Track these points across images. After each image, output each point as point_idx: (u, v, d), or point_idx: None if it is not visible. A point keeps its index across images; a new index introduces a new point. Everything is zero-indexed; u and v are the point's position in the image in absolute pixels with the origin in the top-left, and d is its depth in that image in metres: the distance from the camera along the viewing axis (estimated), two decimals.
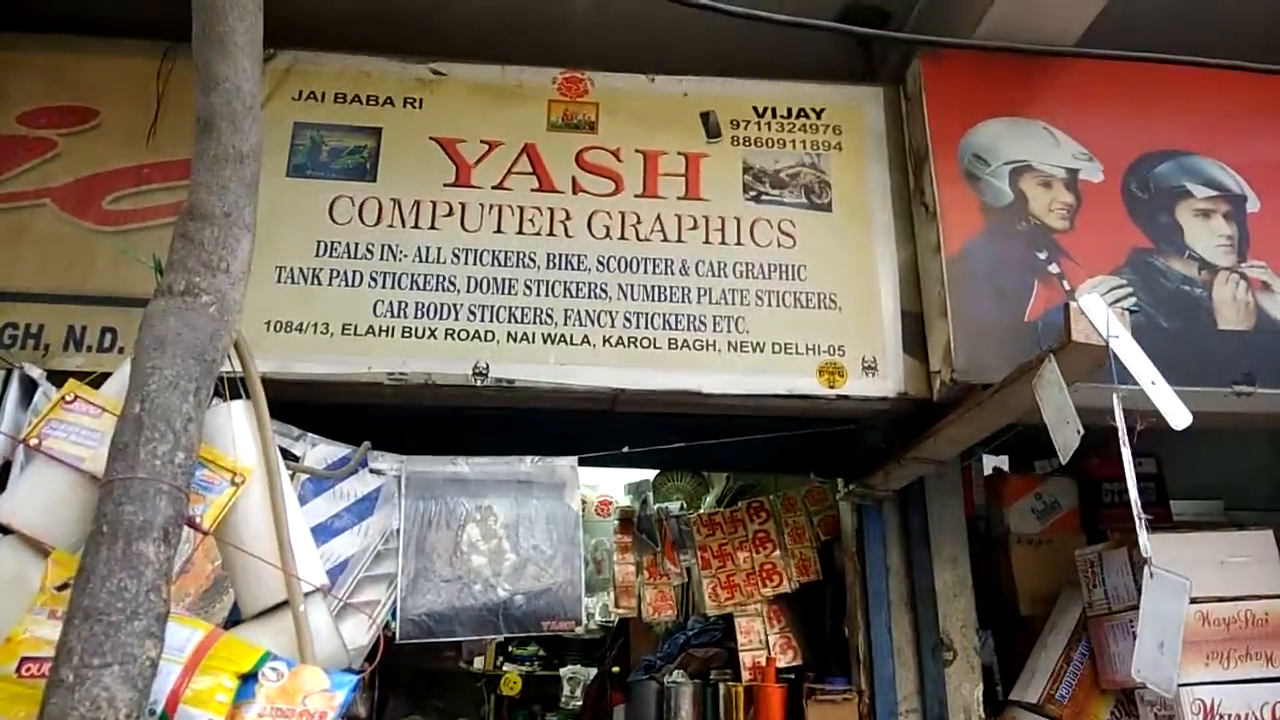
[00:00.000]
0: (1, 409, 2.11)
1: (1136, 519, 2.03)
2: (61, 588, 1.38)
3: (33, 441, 1.58)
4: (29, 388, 2.28)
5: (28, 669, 1.35)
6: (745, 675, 3.40)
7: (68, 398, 1.62)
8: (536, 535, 2.72)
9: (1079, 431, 2.17)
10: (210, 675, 1.38)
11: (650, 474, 4.52)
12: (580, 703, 5.23)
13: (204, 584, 2.20)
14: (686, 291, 2.94)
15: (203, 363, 1.48)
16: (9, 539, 1.51)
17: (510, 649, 5.92)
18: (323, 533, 2.49)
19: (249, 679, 1.42)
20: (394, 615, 2.56)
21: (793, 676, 3.40)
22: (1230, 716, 2.68)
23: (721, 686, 3.42)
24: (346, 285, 2.82)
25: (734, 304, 2.94)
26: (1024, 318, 2.82)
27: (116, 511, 1.30)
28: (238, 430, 1.65)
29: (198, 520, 1.52)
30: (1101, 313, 2.28)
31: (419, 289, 2.84)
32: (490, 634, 2.64)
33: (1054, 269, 2.91)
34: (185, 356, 1.46)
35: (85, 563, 1.28)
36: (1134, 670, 2.06)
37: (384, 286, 2.83)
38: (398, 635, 2.52)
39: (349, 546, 2.55)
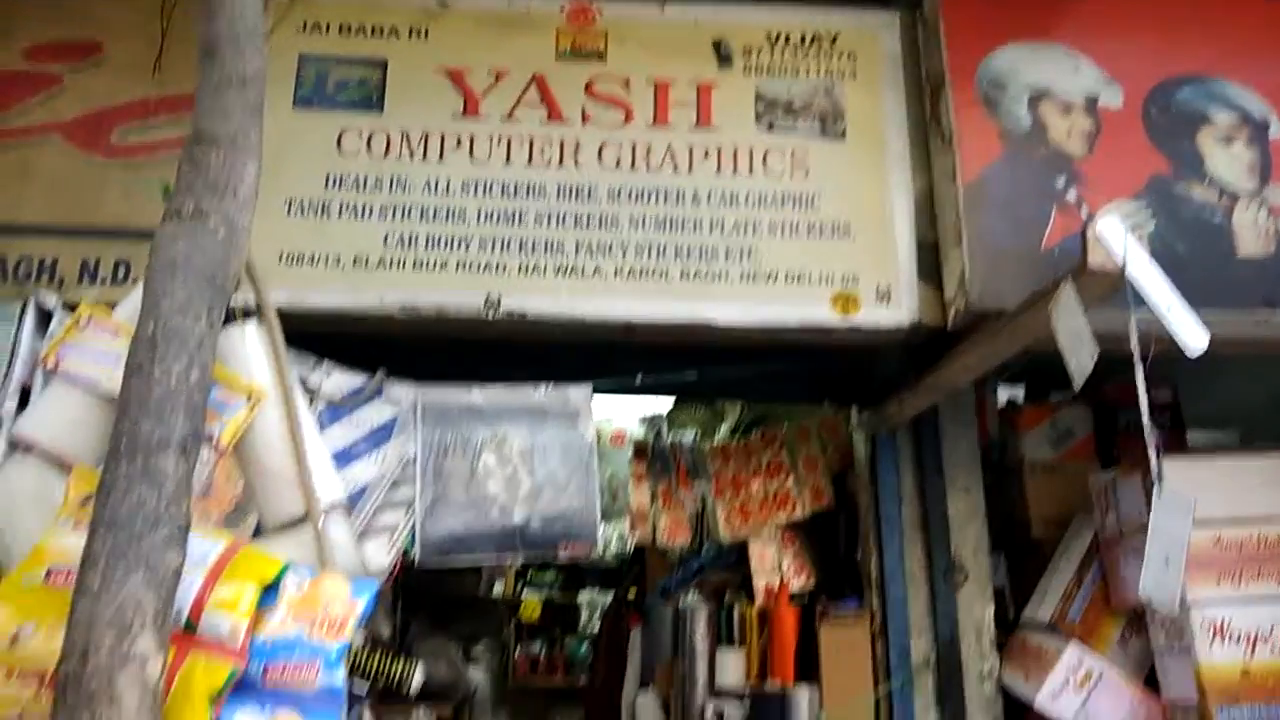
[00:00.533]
0: (18, 338, 2.14)
1: (1147, 436, 2.03)
2: (85, 501, 1.41)
3: (50, 363, 1.61)
4: (44, 318, 2.31)
5: (54, 578, 1.40)
6: (759, 599, 3.45)
7: (82, 320, 1.65)
8: (551, 462, 2.76)
9: (1094, 355, 2.16)
10: (233, 584, 1.42)
11: (664, 407, 4.55)
12: (598, 627, 5.33)
13: (226, 508, 2.24)
14: (698, 222, 2.92)
15: (213, 285, 1.49)
16: (31, 456, 1.55)
17: (529, 576, 6.05)
18: (341, 460, 2.52)
19: (271, 589, 1.46)
20: (413, 540, 2.61)
21: (806, 601, 3.45)
22: (1239, 634, 2.71)
23: (736, 609, 3.48)
24: (356, 218, 2.82)
25: (746, 234, 2.92)
26: (1041, 246, 2.79)
27: (134, 428, 1.33)
28: (251, 352, 1.67)
29: (215, 439, 1.55)
30: (1119, 236, 2.25)
31: (429, 221, 2.84)
32: (509, 556, 2.69)
33: (1072, 196, 2.87)
34: (196, 279, 1.47)
35: (105, 477, 1.31)
36: (1140, 587, 2.08)
37: (394, 219, 2.83)
38: (418, 558, 2.57)
39: (367, 473, 2.59)
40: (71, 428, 1.56)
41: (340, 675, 1.45)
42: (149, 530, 1.27)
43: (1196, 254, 2.82)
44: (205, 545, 1.46)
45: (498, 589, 5.37)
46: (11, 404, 1.86)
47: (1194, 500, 2.14)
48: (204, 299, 1.45)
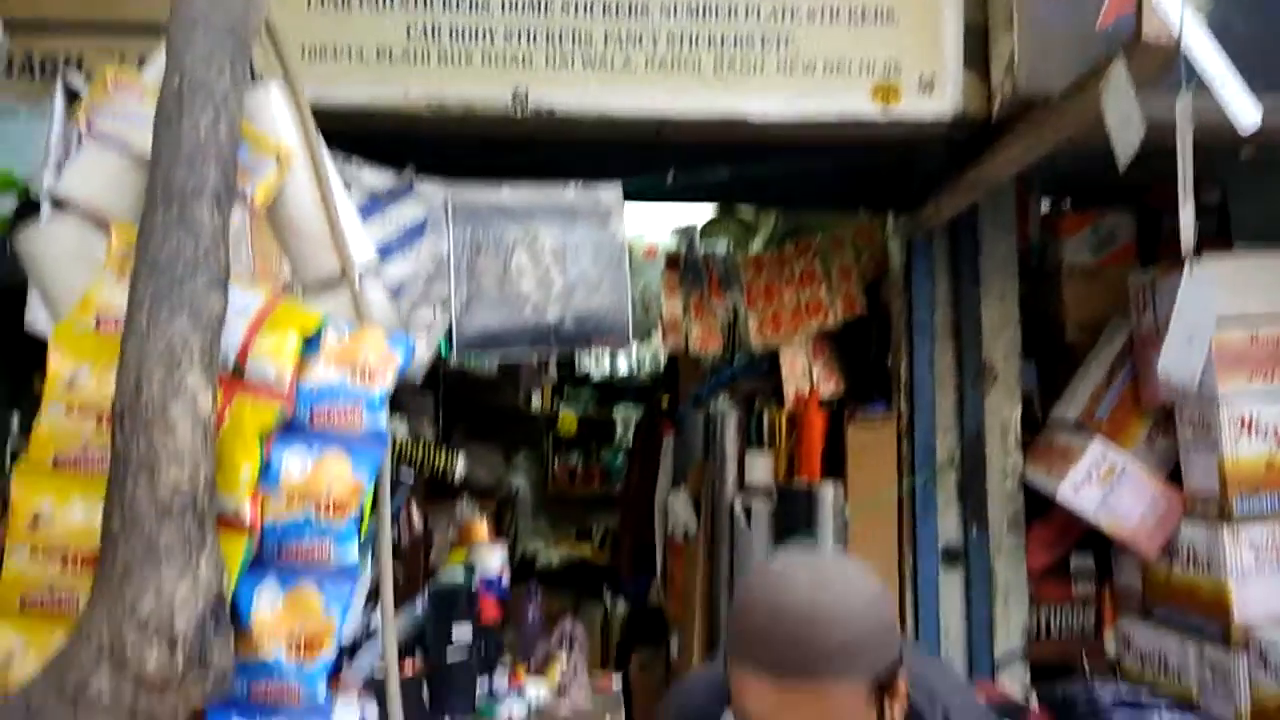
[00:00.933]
0: (51, 119, 2.16)
1: (1182, 214, 1.97)
2: (127, 255, 1.45)
3: (82, 125, 1.62)
4: (74, 99, 2.31)
5: (104, 326, 1.46)
6: (789, 405, 3.52)
7: (109, 80, 1.65)
8: (583, 262, 2.77)
9: (1141, 134, 2.08)
10: (276, 334, 1.48)
11: (696, 219, 4.52)
12: (632, 440, 5.51)
13: None
14: (733, 9, 2.78)
15: (235, 39, 1.47)
16: (70, 215, 1.59)
17: (565, 393, 6.24)
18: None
19: (312, 340, 1.52)
20: (450, 335, 2.67)
21: (835, 407, 3.51)
22: (1268, 428, 2.74)
23: (766, 413, 3.55)
24: (377, 9, 2.73)
25: (784, 21, 2.78)
26: (1094, 27, 2.64)
27: (168, 177, 1.34)
28: (277, 112, 1.66)
29: (250, 199, 1.57)
30: (1175, 5, 2.12)
31: (452, 11, 2.73)
32: (543, 351, 2.75)
33: None
34: (217, 33, 1.45)
35: (144, 225, 1.34)
36: (1159, 365, 2.08)
37: (416, 8, 2.72)
38: (455, 351, 2.64)
39: (402, 270, 2.62)
40: (107, 186, 1.59)
41: (383, 419, 1.52)
42: (189, 275, 1.31)
43: (1256, 35, 2.64)
44: (246, 297, 1.51)
45: (535, 404, 5.54)
46: (52, 179, 1.89)
47: (1225, 282, 2.11)
48: (225, 53, 1.44)
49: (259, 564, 1.43)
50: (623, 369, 6.21)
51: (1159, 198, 3.41)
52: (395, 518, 3.33)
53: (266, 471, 1.43)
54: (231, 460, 1.38)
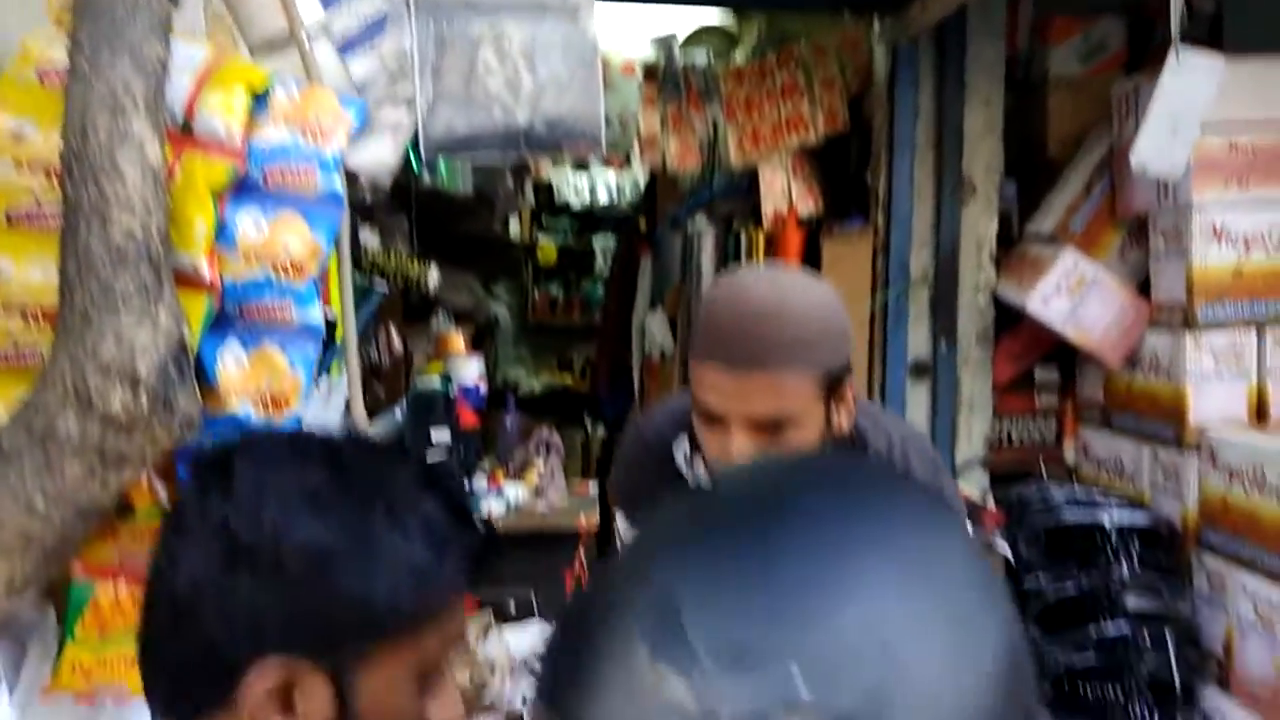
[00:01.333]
0: None
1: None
2: (66, 6, 1.39)
3: None
4: None
5: (47, 79, 1.41)
6: (767, 225, 3.50)
7: None
8: (553, 61, 2.66)
9: None
10: (223, 90, 1.44)
11: (677, 29, 4.35)
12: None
13: None
14: None
15: None
16: None
17: (544, 221, 6.18)
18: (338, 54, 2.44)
19: (261, 99, 1.48)
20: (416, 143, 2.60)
21: (814, 226, 3.50)
22: (1238, 236, 2.75)
23: (743, 233, 3.54)
24: None
25: None
26: None
27: None
28: None
29: None
30: None
31: None
32: (513, 154, 2.69)
33: None
34: None
35: None
36: (1132, 154, 2.05)
37: None
38: (423, 152, 2.58)
39: (364, 69, 2.52)
40: None
41: (338, 181, 1.50)
42: (129, 18, 1.26)
43: None
44: (190, 50, 1.45)
45: (514, 231, 5.49)
46: None
47: (1219, 64, 2.05)
48: None
49: (222, 325, 1.44)
50: (602, 198, 6.13)
51: (1152, 7, 3.30)
52: (374, 338, 3.36)
53: (223, 232, 1.42)
54: (185, 216, 1.37)
